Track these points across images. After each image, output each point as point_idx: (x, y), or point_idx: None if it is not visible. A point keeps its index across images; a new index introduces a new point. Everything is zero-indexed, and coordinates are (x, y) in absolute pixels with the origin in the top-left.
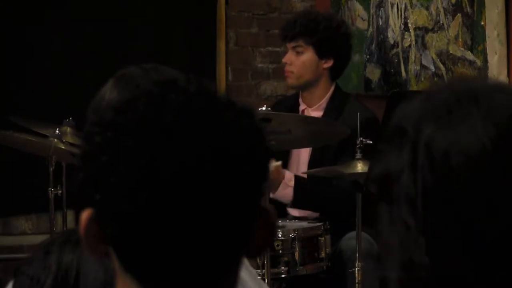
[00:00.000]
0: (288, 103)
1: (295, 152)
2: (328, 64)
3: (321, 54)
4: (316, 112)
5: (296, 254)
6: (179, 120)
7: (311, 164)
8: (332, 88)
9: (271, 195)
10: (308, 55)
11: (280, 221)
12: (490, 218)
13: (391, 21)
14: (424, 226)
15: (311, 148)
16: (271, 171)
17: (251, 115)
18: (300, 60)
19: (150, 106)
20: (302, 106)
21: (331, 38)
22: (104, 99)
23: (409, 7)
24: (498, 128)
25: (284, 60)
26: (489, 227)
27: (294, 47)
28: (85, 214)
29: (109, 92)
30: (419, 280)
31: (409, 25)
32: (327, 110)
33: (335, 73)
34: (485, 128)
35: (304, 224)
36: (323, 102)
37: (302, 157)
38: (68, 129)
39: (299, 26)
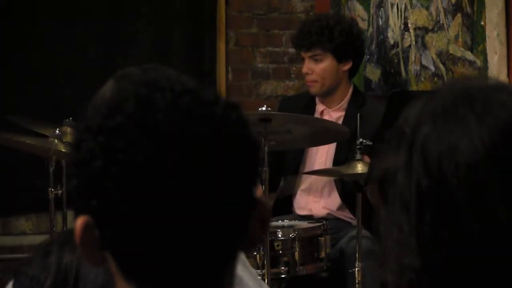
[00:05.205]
0: (300, 102)
1: (312, 150)
2: (347, 66)
3: (340, 58)
4: (337, 113)
5: (296, 254)
6: (168, 119)
7: (335, 162)
8: (351, 88)
9: None
10: (328, 62)
11: (280, 221)
12: (481, 224)
13: (391, 21)
14: (416, 228)
15: (332, 146)
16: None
17: (237, 109)
18: (320, 68)
19: (138, 107)
20: (320, 107)
21: (347, 42)
22: (105, 99)
23: (409, 7)
24: (493, 132)
25: (304, 70)
26: (480, 233)
27: (311, 56)
28: (80, 222)
29: (108, 92)
30: (410, 283)
31: (409, 25)
32: (349, 110)
33: (353, 72)
34: (479, 132)
35: (304, 224)
36: (344, 102)
37: (319, 156)
38: (68, 129)
39: (314, 35)
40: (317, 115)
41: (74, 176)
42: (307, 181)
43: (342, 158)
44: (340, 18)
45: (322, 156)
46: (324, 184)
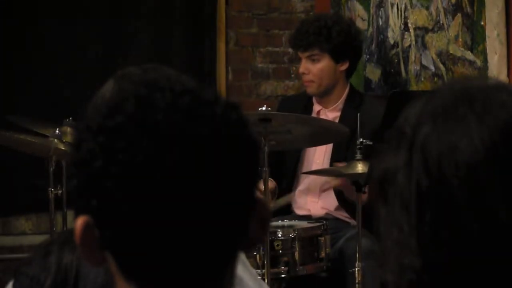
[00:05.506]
0: (299, 102)
1: (310, 151)
2: (345, 66)
3: (337, 58)
4: (333, 113)
5: (296, 254)
6: (168, 119)
7: (333, 162)
8: (348, 88)
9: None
10: (325, 62)
11: (280, 221)
12: (481, 224)
13: (391, 21)
14: (417, 228)
15: (329, 147)
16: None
17: (237, 109)
18: (317, 68)
19: (138, 107)
20: (317, 107)
21: (345, 42)
22: (105, 99)
23: (409, 7)
24: (493, 132)
25: (300, 70)
26: (480, 233)
27: (309, 56)
28: (80, 222)
29: (108, 92)
30: (410, 283)
31: (409, 25)
32: (344, 111)
33: (350, 73)
34: (479, 132)
35: (304, 224)
36: (340, 103)
37: (316, 157)
38: (68, 129)
39: (312, 35)
40: (313, 115)
41: (74, 176)
42: (305, 181)
43: (340, 158)
44: (338, 19)
45: (319, 156)
46: (322, 184)
